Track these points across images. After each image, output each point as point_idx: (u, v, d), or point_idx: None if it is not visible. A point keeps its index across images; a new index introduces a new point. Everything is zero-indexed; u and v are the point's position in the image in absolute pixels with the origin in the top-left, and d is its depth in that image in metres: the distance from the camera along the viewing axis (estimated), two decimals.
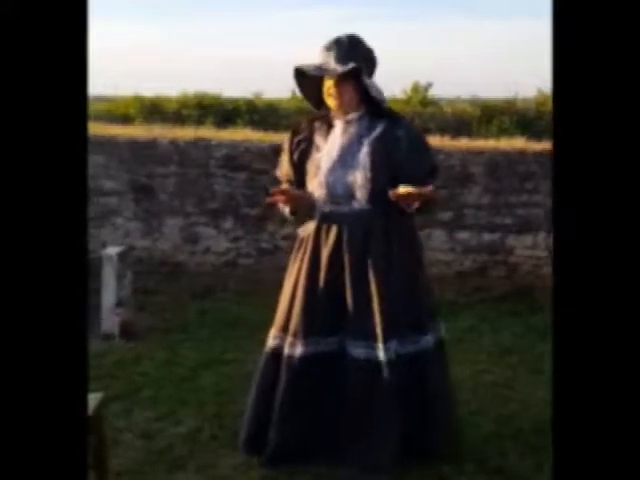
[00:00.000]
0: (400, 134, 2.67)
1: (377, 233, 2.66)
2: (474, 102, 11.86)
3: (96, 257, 4.56)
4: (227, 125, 9.39)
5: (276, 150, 5.35)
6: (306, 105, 2.94)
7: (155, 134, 6.13)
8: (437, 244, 5.47)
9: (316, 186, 2.71)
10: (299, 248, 2.78)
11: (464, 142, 5.91)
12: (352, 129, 2.70)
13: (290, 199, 2.68)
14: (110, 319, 4.33)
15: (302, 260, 2.74)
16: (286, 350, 2.69)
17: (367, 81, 2.64)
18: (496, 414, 3.24)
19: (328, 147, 2.71)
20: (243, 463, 2.76)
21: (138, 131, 6.50)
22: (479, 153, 5.52)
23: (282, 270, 2.91)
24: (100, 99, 13.02)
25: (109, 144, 5.95)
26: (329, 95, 2.68)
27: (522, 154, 5.47)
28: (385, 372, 2.60)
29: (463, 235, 5.51)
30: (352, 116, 2.70)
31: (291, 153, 2.80)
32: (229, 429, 3.02)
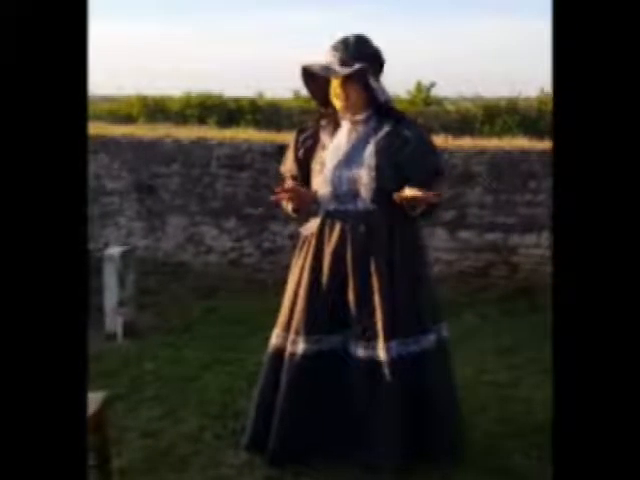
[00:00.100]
0: (407, 135, 2.66)
1: (381, 232, 2.66)
2: (477, 101, 11.84)
3: (99, 257, 4.57)
4: (230, 125, 9.39)
5: (279, 150, 5.37)
6: (309, 105, 2.95)
7: (158, 134, 6.14)
8: (439, 243, 5.47)
9: (320, 183, 2.71)
10: (302, 246, 2.79)
11: (467, 141, 5.91)
12: (359, 129, 2.70)
13: (294, 197, 2.69)
14: (113, 319, 4.35)
15: (305, 258, 2.74)
16: (288, 348, 2.70)
17: (373, 82, 2.64)
18: (498, 414, 3.24)
19: (334, 146, 2.71)
20: (247, 462, 2.76)
21: (141, 131, 6.51)
22: (482, 152, 5.52)
23: (285, 269, 2.91)
24: (103, 99, 13.03)
25: (112, 144, 5.96)
26: (335, 95, 2.68)
27: (525, 153, 5.47)
28: (386, 372, 2.61)
29: (465, 234, 5.51)
30: (359, 117, 2.70)
31: (296, 150, 2.80)
32: (233, 428, 3.03)
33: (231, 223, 5.81)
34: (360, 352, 2.65)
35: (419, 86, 12.98)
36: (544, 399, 3.31)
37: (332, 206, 2.71)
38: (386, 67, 2.74)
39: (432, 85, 13.05)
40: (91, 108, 9.59)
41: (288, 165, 2.85)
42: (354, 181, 2.65)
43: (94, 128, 6.07)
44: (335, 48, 2.64)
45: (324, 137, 2.75)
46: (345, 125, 2.72)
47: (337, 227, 2.69)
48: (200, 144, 5.85)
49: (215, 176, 5.79)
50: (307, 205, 2.76)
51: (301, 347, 2.66)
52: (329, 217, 2.71)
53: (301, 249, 2.79)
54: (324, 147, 2.73)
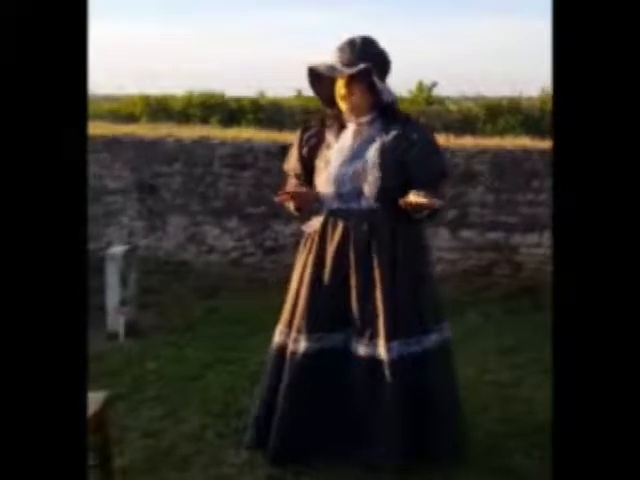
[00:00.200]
0: (414, 137, 2.65)
1: (383, 231, 2.66)
2: (479, 100, 11.82)
3: (101, 256, 4.58)
4: (232, 124, 9.39)
5: (281, 149, 5.37)
6: (312, 104, 2.95)
7: (160, 133, 6.14)
8: (441, 242, 5.47)
9: (324, 182, 2.71)
10: (305, 244, 2.79)
11: (469, 140, 5.90)
12: (365, 131, 2.70)
13: (296, 198, 2.69)
14: (115, 318, 4.35)
15: (307, 256, 2.75)
16: (290, 346, 2.70)
17: (378, 83, 2.63)
18: (500, 414, 3.24)
19: (339, 145, 2.71)
20: (249, 461, 2.76)
21: (143, 130, 6.51)
22: (484, 151, 5.52)
23: (287, 268, 2.92)
24: (105, 98, 13.03)
25: (114, 143, 5.96)
26: (340, 96, 2.68)
27: (527, 152, 5.47)
28: (387, 371, 2.61)
29: (467, 233, 5.50)
30: (364, 119, 2.69)
31: (300, 148, 2.80)
32: (235, 428, 3.03)
33: (233, 222, 5.81)
34: (361, 350, 2.65)
35: (421, 86, 12.96)
36: (546, 399, 3.30)
37: (335, 204, 2.71)
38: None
39: (434, 85, 13.03)
40: (93, 108, 9.59)
41: (292, 163, 2.86)
42: (358, 179, 2.65)
43: (96, 128, 6.08)
44: (341, 49, 2.64)
45: (329, 136, 2.75)
46: (351, 127, 2.73)
47: (340, 225, 2.69)
48: (202, 143, 5.86)
49: (217, 175, 5.80)
50: (310, 204, 2.77)
51: (303, 345, 2.66)
52: (332, 215, 2.71)
53: (304, 246, 2.79)
54: (329, 146, 2.74)
